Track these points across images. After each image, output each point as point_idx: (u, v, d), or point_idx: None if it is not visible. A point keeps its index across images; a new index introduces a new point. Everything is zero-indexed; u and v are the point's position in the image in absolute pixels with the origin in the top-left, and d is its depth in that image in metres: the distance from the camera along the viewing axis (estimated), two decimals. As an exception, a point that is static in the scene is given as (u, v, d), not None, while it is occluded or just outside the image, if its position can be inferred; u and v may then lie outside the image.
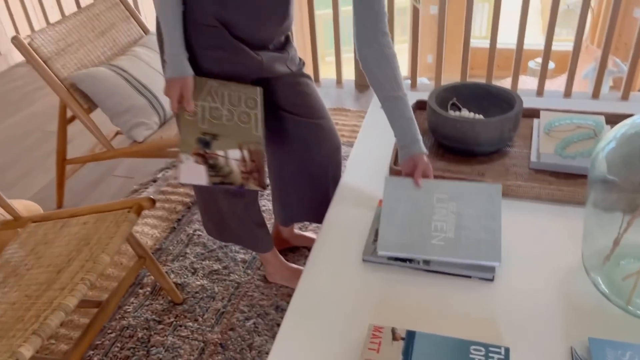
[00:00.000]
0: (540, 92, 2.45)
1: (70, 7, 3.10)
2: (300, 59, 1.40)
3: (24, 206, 1.74)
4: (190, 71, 1.16)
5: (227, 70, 1.22)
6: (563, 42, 6.13)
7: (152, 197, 1.41)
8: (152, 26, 2.22)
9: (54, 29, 1.82)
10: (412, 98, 1.55)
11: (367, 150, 1.38)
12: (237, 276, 1.64)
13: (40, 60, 1.71)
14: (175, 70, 1.15)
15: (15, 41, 1.67)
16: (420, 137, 1.16)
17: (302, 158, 1.39)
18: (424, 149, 1.14)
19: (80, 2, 2.99)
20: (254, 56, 1.22)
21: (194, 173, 1.11)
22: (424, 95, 1.58)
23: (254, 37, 1.21)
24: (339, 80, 2.77)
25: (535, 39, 5.30)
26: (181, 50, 1.15)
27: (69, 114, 1.88)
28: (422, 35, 3.69)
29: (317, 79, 2.77)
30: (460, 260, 0.97)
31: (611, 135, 0.95)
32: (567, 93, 2.39)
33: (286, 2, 1.20)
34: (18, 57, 3.22)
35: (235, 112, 1.20)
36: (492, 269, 0.97)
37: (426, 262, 1.00)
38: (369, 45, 1.18)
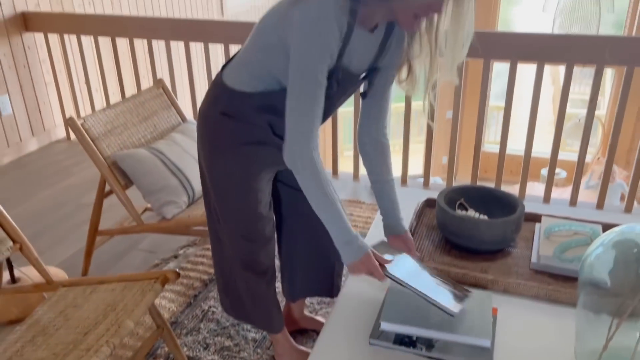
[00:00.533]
0: (546, 199, 2.57)
1: (113, 90, 3.38)
2: None
3: (52, 273, 1.86)
4: (367, 246, 1.20)
5: (255, 161, 1.36)
6: (575, 153, 6.35)
7: (176, 271, 1.52)
8: (188, 114, 2.44)
9: (104, 113, 2.02)
10: (423, 196, 1.69)
11: (380, 239, 1.49)
12: (247, 354, 1.70)
13: (89, 139, 1.90)
14: (356, 254, 1.19)
15: (70, 122, 1.87)
16: (402, 216, 1.40)
17: (314, 231, 1.50)
18: (406, 227, 1.39)
19: (125, 88, 3.26)
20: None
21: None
22: (435, 194, 1.71)
23: None
24: (355, 175, 2.93)
25: (547, 148, 5.52)
26: (353, 235, 1.19)
27: (107, 189, 2.03)
28: (438, 138, 3.90)
29: (335, 172, 2.94)
30: (455, 337, 1.07)
31: (599, 242, 1.06)
32: (573, 202, 2.51)
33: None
34: (60, 134, 3.46)
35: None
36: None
37: (429, 348, 1.07)
38: (369, 134, 1.40)
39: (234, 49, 2.87)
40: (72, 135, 3.43)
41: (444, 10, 1.13)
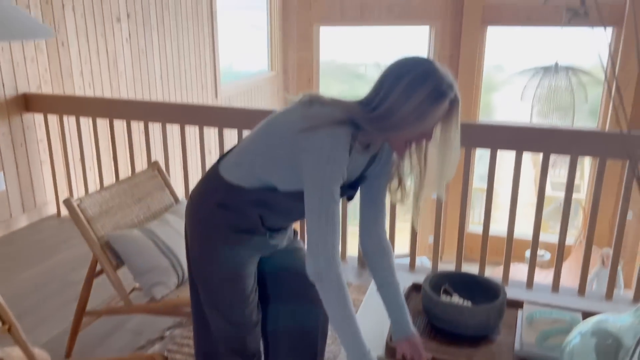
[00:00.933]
0: (529, 284, 2.62)
1: (106, 168, 3.46)
2: (294, 230, 1.64)
3: (35, 353, 1.83)
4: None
5: (245, 248, 1.43)
6: (556, 235, 6.46)
7: (164, 354, 1.52)
8: (180, 194, 2.51)
9: (100, 194, 2.08)
10: (409, 280, 1.73)
11: (367, 324, 1.51)
12: None
13: (84, 220, 1.94)
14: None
15: (67, 203, 1.92)
16: (410, 319, 1.40)
17: (298, 312, 1.55)
18: (415, 330, 1.39)
19: (119, 167, 3.34)
20: (271, 242, 1.46)
21: None
22: (421, 278, 1.76)
23: (278, 226, 1.46)
24: (342, 257, 2.97)
25: (531, 230, 5.62)
26: (367, 350, 1.25)
27: (97, 268, 2.05)
28: (424, 216, 3.96)
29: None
30: None
31: (577, 331, 1.11)
32: (555, 287, 2.56)
33: None
34: (51, 210, 3.50)
35: None
36: None
37: None
38: (370, 236, 1.48)
39: (227, 132, 2.99)
40: (63, 212, 3.46)
41: (433, 136, 1.26)
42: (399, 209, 2.86)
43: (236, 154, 1.44)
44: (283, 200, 1.37)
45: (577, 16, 1.01)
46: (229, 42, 5.71)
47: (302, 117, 1.28)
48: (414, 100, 1.19)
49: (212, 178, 1.45)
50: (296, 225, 1.69)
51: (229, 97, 5.51)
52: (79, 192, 3.51)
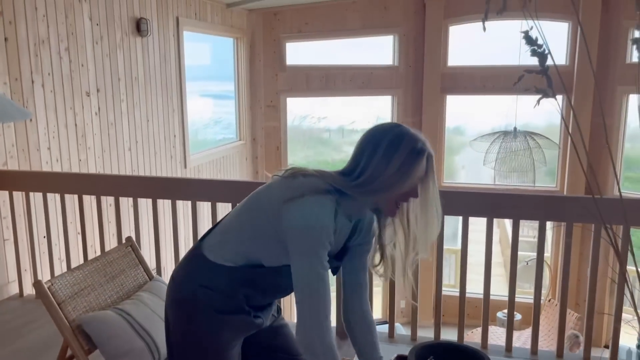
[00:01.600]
0: (508, 348, 2.62)
1: (73, 244, 3.36)
2: (278, 306, 1.61)
3: None
4: None
5: (228, 329, 1.39)
6: (527, 296, 6.54)
7: None
8: (153, 272, 2.45)
9: (72, 274, 2.02)
10: (391, 351, 1.72)
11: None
12: None
13: (55, 304, 1.87)
14: None
15: (37, 285, 1.85)
16: None
17: None
18: None
19: (87, 243, 3.25)
20: (256, 321, 1.43)
21: None
22: (402, 349, 1.75)
23: (263, 303, 1.44)
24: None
25: (499, 290, 5.68)
26: None
27: (68, 353, 1.95)
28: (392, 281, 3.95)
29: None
30: None
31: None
32: (534, 351, 2.57)
33: None
34: (13, 290, 3.34)
35: None
36: None
37: None
38: (354, 311, 1.49)
39: (200, 205, 2.98)
40: (25, 292, 3.32)
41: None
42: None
43: (219, 233, 1.44)
44: (270, 277, 1.36)
45: (547, 97, 1.08)
46: (197, 112, 5.78)
47: (286, 188, 1.31)
48: (396, 162, 1.26)
49: (195, 258, 1.43)
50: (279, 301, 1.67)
51: (198, 166, 5.51)
52: (43, 271, 3.38)
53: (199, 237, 2.49)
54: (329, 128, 10.16)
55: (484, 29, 1.11)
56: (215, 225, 1.49)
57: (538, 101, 1.08)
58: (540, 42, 1.05)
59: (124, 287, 2.19)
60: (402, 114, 6.76)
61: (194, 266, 1.43)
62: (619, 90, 6.22)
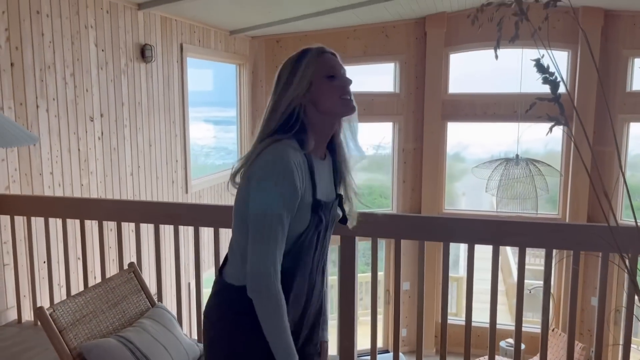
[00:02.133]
0: (517, 379, 2.57)
1: (73, 270, 3.32)
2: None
3: None
4: None
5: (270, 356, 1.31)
6: (530, 325, 6.47)
7: None
8: (155, 298, 2.41)
9: (74, 300, 1.99)
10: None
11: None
12: None
13: (57, 331, 1.83)
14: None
15: (39, 312, 1.82)
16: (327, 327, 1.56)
17: None
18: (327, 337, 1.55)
19: (88, 269, 3.22)
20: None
21: None
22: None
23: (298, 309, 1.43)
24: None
25: (501, 319, 5.63)
26: (297, 358, 1.28)
27: (67, 383, 1.91)
28: (393, 309, 3.91)
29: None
30: None
31: None
32: (543, 382, 2.51)
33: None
34: (12, 316, 3.29)
35: None
36: None
37: None
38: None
39: (203, 231, 2.95)
40: (24, 318, 3.26)
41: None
42: (367, 303, 2.81)
43: (229, 255, 1.42)
44: (287, 278, 1.32)
45: (559, 124, 1.08)
46: (199, 137, 5.79)
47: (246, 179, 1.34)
48: (290, 75, 1.35)
49: (222, 290, 1.40)
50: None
51: (199, 191, 5.50)
52: (42, 297, 3.34)
53: (200, 263, 2.46)
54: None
55: (496, 57, 1.12)
56: (227, 253, 1.47)
57: (550, 129, 1.08)
58: (551, 69, 1.05)
59: (125, 313, 2.16)
60: (403, 140, 6.78)
61: (223, 298, 1.39)
62: (619, 119, 6.26)
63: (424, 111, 6.65)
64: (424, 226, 2.63)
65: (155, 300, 2.33)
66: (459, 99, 6.72)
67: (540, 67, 1.07)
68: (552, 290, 6.96)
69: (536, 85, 1.17)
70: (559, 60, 6.58)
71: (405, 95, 6.72)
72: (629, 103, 6.22)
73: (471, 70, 6.86)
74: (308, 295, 1.41)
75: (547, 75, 1.05)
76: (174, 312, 2.58)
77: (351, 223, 1.48)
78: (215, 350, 1.40)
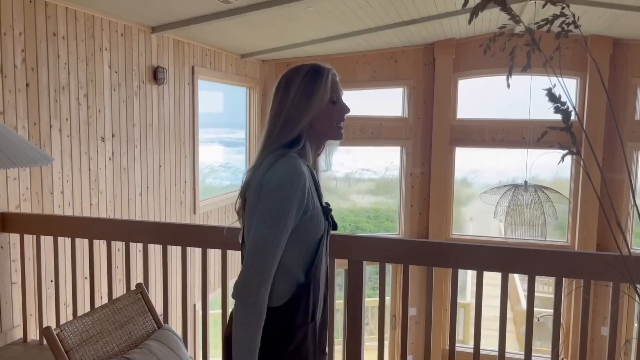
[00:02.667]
0: (527, 410, 2.52)
1: (80, 289, 3.32)
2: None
3: None
4: None
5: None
6: (538, 354, 6.36)
7: None
8: (171, 321, 2.40)
9: (80, 321, 1.98)
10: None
11: None
12: None
13: (63, 352, 1.83)
14: None
15: (46, 332, 1.82)
16: None
17: None
18: None
19: (95, 288, 3.22)
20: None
21: None
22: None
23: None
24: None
25: (508, 347, 5.54)
26: None
27: (72, 405, 1.90)
28: (399, 334, 3.86)
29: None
30: None
31: None
32: (553, 414, 2.47)
33: None
34: (17, 335, 3.28)
35: None
36: None
37: None
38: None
39: (210, 252, 2.95)
40: (30, 337, 3.26)
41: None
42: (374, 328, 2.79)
43: None
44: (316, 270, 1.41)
45: (571, 154, 1.08)
46: (208, 159, 5.83)
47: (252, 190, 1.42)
48: (298, 91, 1.41)
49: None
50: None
51: (207, 212, 5.51)
52: (48, 316, 3.33)
53: (207, 284, 2.46)
54: (335, 176, 10.22)
55: (508, 85, 1.12)
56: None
57: (562, 157, 1.08)
58: (563, 99, 1.06)
59: (132, 335, 2.15)
60: (411, 165, 6.79)
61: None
62: (629, 146, 6.25)
63: (432, 136, 6.67)
64: (433, 252, 2.62)
65: (162, 321, 2.32)
66: (467, 124, 6.74)
67: (552, 97, 1.08)
68: (561, 320, 6.87)
69: (545, 112, 1.18)
70: (568, 86, 6.60)
71: (413, 120, 6.75)
72: (638, 131, 6.22)
73: (480, 96, 6.89)
74: (325, 294, 1.51)
75: (559, 105, 1.06)
76: (180, 333, 2.57)
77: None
78: None
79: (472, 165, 7.57)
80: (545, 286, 8.05)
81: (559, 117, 1.09)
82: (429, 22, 5.41)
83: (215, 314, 3.28)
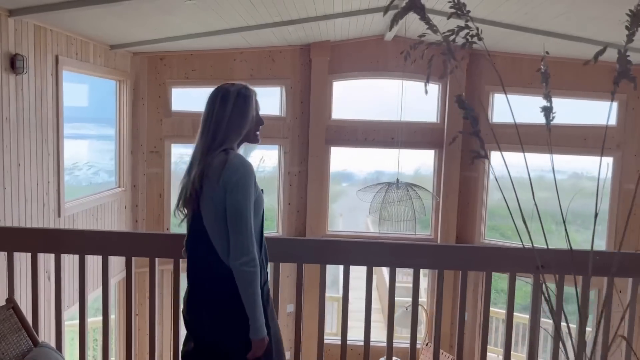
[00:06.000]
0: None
1: None
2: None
3: None
4: None
5: None
6: (406, 341, 6.80)
7: None
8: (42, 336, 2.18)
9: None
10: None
11: None
12: None
13: None
14: (265, 334, 1.86)
15: None
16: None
17: None
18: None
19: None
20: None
21: None
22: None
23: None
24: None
25: (379, 336, 5.86)
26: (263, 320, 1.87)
27: None
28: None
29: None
30: None
31: None
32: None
33: None
34: None
35: None
36: None
37: None
38: None
39: (88, 258, 2.73)
40: None
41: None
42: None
43: (219, 246, 1.89)
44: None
45: (479, 157, 1.17)
46: (74, 156, 5.38)
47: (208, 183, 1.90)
48: (235, 109, 1.90)
49: (225, 270, 1.86)
50: None
51: (73, 215, 5.08)
52: None
53: (85, 293, 2.32)
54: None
55: (426, 92, 1.19)
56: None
57: (472, 160, 1.17)
58: (470, 106, 1.14)
59: (5, 356, 1.92)
60: (289, 163, 6.87)
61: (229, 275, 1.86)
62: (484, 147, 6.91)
63: (309, 135, 6.81)
64: (323, 249, 2.68)
65: (39, 339, 2.10)
66: (342, 124, 6.98)
67: (461, 103, 1.16)
68: (425, 307, 7.41)
69: (414, 115, 1.31)
70: (432, 92, 7.12)
71: (291, 120, 6.83)
72: (491, 133, 6.89)
73: (353, 98, 7.18)
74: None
75: (469, 110, 1.14)
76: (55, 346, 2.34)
77: None
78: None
79: (345, 163, 7.87)
80: (406, 276, 8.61)
81: (426, 119, 1.17)
82: (307, 24, 5.51)
83: (97, 321, 3.04)
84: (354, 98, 7.19)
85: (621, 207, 6.50)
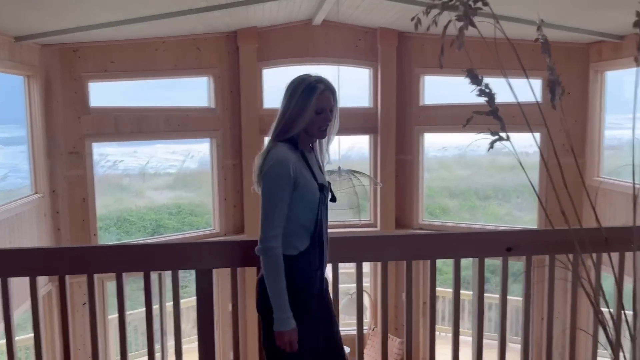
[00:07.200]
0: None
1: None
2: None
3: None
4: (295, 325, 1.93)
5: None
6: (352, 328, 6.77)
7: None
8: None
9: None
10: None
11: None
12: None
13: None
14: (289, 326, 1.90)
15: None
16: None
17: None
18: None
19: None
20: None
21: None
22: None
23: None
24: None
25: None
26: (291, 313, 1.90)
27: None
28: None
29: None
30: None
31: None
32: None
33: None
34: None
35: None
36: None
37: None
38: None
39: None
40: None
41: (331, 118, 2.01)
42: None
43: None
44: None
45: (501, 140, 1.03)
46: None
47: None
48: (297, 101, 1.93)
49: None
50: None
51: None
52: None
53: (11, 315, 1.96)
54: (129, 173, 9.40)
55: (441, 65, 1.02)
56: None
57: (491, 144, 1.02)
58: (485, 82, 1.00)
59: None
60: (222, 156, 6.56)
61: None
62: (416, 130, 6.94)
63: (241, 126, 6.53)
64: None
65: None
66: (274, 113, 6.74)
67: (474, 79, 1.02)
68: (369, 292, 7.40)
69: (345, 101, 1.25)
70: (362, 76, 7.05)
71: (221, 111, 6.51)
72: (422, 116, 6.93)
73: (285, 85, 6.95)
74: (325, 245, 2.05)
75: (483, 87, 1.00)
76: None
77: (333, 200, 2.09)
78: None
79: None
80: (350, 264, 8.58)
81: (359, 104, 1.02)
82: (234, 9, 5.23)
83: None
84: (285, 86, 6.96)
85: (548, 182, 6.76)
